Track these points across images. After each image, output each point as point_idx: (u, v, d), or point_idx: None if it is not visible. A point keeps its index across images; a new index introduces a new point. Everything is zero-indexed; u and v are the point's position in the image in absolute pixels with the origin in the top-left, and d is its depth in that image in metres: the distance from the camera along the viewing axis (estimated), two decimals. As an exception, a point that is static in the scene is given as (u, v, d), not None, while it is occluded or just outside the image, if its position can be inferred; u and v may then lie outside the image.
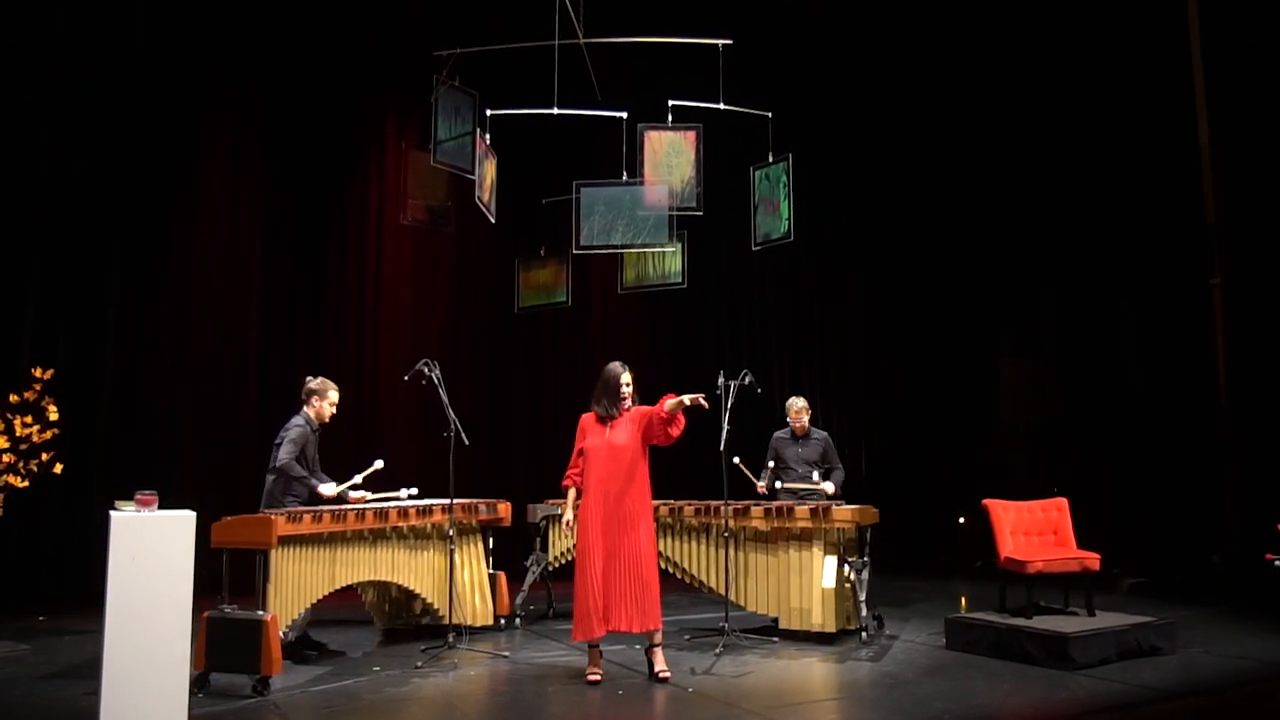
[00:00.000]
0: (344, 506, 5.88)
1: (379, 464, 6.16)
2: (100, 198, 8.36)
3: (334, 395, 6.14)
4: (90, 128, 8.30)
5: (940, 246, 11.02)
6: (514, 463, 10.32)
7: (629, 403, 5.47)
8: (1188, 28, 8.70)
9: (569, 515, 5.55)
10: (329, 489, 5.95)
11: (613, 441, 5.39)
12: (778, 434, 7.17)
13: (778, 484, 6.85)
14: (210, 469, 8.59)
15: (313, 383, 6.14)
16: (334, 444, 8.82)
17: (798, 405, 7.09)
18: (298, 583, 5.49)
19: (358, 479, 6.12)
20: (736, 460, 6.61)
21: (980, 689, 5.10)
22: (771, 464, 7.08)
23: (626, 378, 5.47)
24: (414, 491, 6.22)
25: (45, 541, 7.94)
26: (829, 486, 6.85)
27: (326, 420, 6.17)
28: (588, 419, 5.50)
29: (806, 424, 7.07)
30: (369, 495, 6.12)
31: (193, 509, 4.48)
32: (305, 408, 6.10)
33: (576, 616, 5.34)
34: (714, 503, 6.54)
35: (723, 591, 6.41)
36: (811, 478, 6.89)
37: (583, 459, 5.46)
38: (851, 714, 4.83)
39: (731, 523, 6.42)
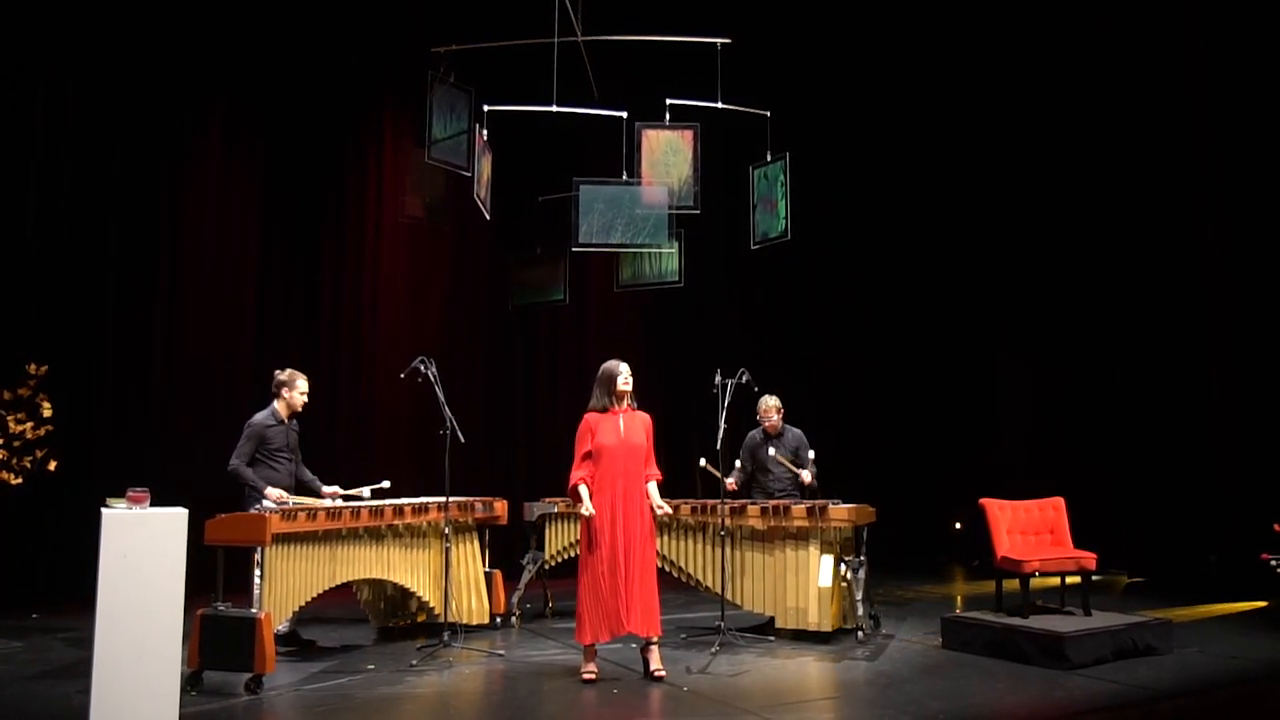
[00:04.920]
0: (317, 504, 5.87)
1: (385, 484, 6.25)
2: (94, 194, 8.32)
3: (303, 384, 6.17)
4: (84, 123, 8.26)
5: (938, 245, 11.03)
6: (511, 461, 10.31)
7: (629, 398, 5.47)
8: (1185, 27, 8.69)
9: (591, 510, 5.29)
10: (275, 492, 5.88)
11: (629, 441, 5.38)
12: (751, 434, 7.15)
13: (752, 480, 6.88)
14: (205, 466, 8.52)
15: (281, 375, 6.17)
16: (333, 441, 8.87)
17: (768, 404, 7.02)
18: (292, 581, 5.48)
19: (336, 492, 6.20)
20: (703, 462, 6.51)
21: (976, 688, 5.10)
22: (739, 463, 7.07)
23: (625, 370, 5.49)
24: (385, 485, 6.25)
25: (39, 539, 7.90)
26: (806, 475, 6.84)
27: (299, 409, 6.20)
28: (592, 419, 5.45)
29: (779, 422, 7.03)
30: (340, 492, 6.18)
31: (188, 506, 4.45)
32: (275, 401, 6.13)
33: (588, 616, 5.26)
34: (711, 501, 6.52)
35: (719, 590, 6.39)
36: (786, 474, 6.93)
37: (591, 460, 5.37)
38: (847, 713, 4.82)
39: (728, 521, 6.40)
